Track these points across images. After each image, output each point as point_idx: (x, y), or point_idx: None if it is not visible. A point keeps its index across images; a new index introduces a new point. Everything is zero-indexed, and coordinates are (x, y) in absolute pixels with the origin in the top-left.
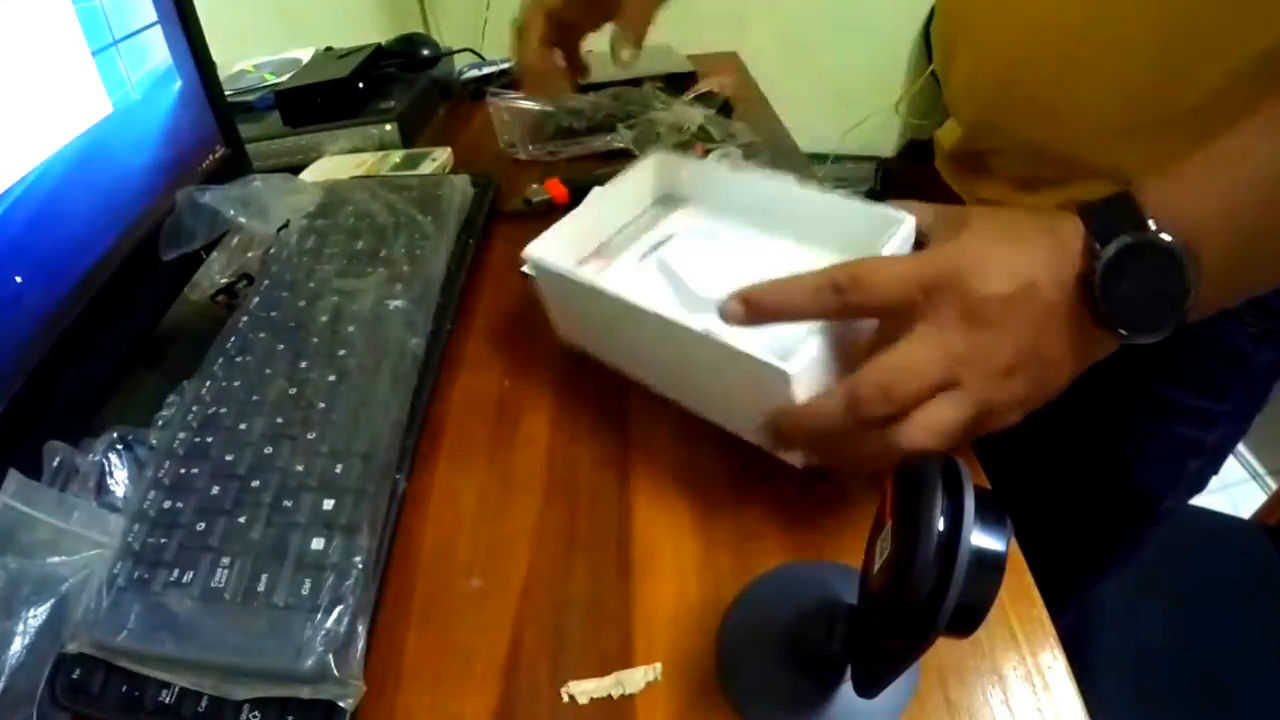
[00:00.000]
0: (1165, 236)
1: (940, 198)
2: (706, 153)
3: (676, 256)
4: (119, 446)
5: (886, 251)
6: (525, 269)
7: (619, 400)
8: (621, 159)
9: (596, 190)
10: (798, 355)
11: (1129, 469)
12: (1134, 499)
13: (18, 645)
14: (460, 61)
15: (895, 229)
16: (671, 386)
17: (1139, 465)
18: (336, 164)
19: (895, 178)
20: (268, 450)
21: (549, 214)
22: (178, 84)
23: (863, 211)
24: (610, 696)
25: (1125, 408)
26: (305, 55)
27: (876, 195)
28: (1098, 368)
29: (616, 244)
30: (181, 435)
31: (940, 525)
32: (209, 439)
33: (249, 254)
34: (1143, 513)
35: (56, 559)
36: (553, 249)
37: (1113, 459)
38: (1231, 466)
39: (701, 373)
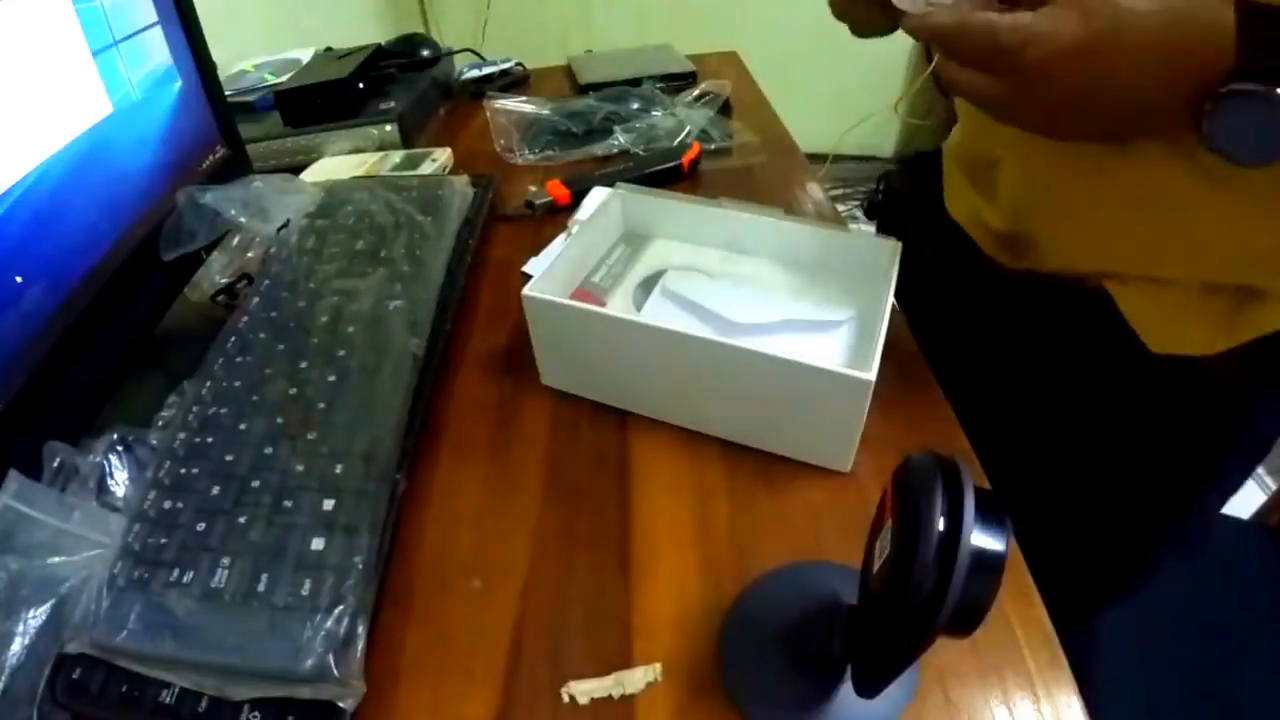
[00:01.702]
0: None
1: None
2: (698, 158)
3: (686, 288)
4: (119, 447)
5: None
6: (526, 292)
7: None
8: (621, 161)
9: (571, 233)
10: (871, 364)
11: (1125, 525)
12: (1130, 553)
13: (18, 645)
14: (460, 62)
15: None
16: (687, 412)
17: (1136, 524)
18: (337, 164)
19: (896, 195)
20: (268, 450)
21: (551, 216)
22: (178, 84)
23: (828, 234)
24: (610, 697)
25: (1125, 470)
26: (305, 55)
27: (876, 207)
28: (1105, 431)
29: (601, 284)
30: (182, 435)
31: (940, 525)
32: (209, 439)
33: (249, 254)
34: (1140, 565)
35: (57, 559)
36: (546, 290)
37: (1108, 514)
38: None
39: (750, 393)
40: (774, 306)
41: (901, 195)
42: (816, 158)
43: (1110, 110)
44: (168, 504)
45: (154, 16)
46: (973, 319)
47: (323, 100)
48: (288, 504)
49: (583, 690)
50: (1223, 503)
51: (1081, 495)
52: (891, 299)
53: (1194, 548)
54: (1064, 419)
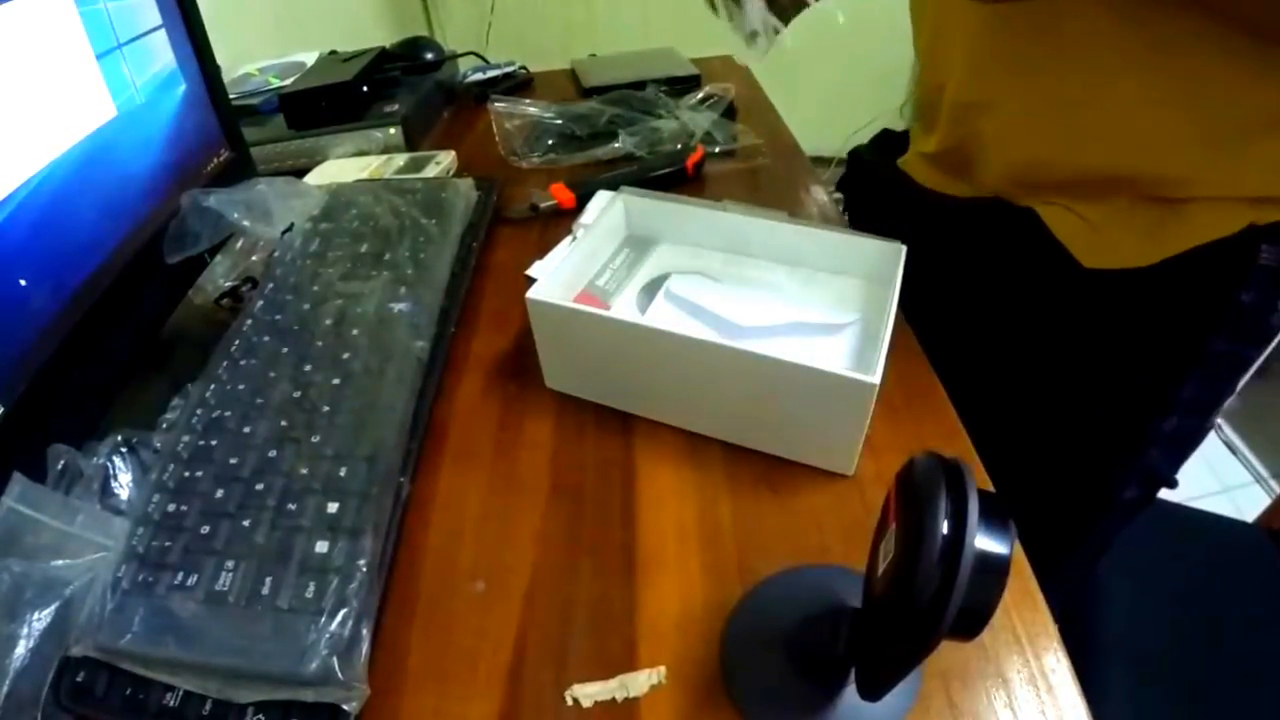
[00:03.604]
0: None
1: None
2: (702, 161)
3: (690, 291)
4: (123, 449)
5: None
6: (530, 295)
7: None
8: (625, 164)
9: (575, 236)
10: (875, 367)
11: (1083, 454)
12: (1090, 484)
13: (22, 648)
14: (464, 65)
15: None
16: (691, 415)
17: (1093, 450)
18: (341, 167)
19: (865, 167)
20: (272, 453)
21: (555, 219)
22: (182, 87)
23: (832, 237)
24: (614, 700)
25: (1079, 393)
26: (309, 58)
27: (845, 183)
28: (1055, 355)
29: (605, 287)
30: (185, 438)
31: (944, 528)
32: (213, 442)
33: (253, 257)
34: (1101, 500)
35: (61, 562)
36: (550, 294)
37: (1067, 443)
38: (1234, 469)
39: (754, 396)
40: (778, 309)
41: (868, 165)
42: (821, 161)
43: None
44: (172, 507)
45: (158, 19)
46: (924, 255)
47: (327, 103)
48: (292, 507)
49: (586, 693)
50: (1188, 435)
51: (1039, 421)
52: (896, 302)
53: (1157, 481)
54: (1016, 342)
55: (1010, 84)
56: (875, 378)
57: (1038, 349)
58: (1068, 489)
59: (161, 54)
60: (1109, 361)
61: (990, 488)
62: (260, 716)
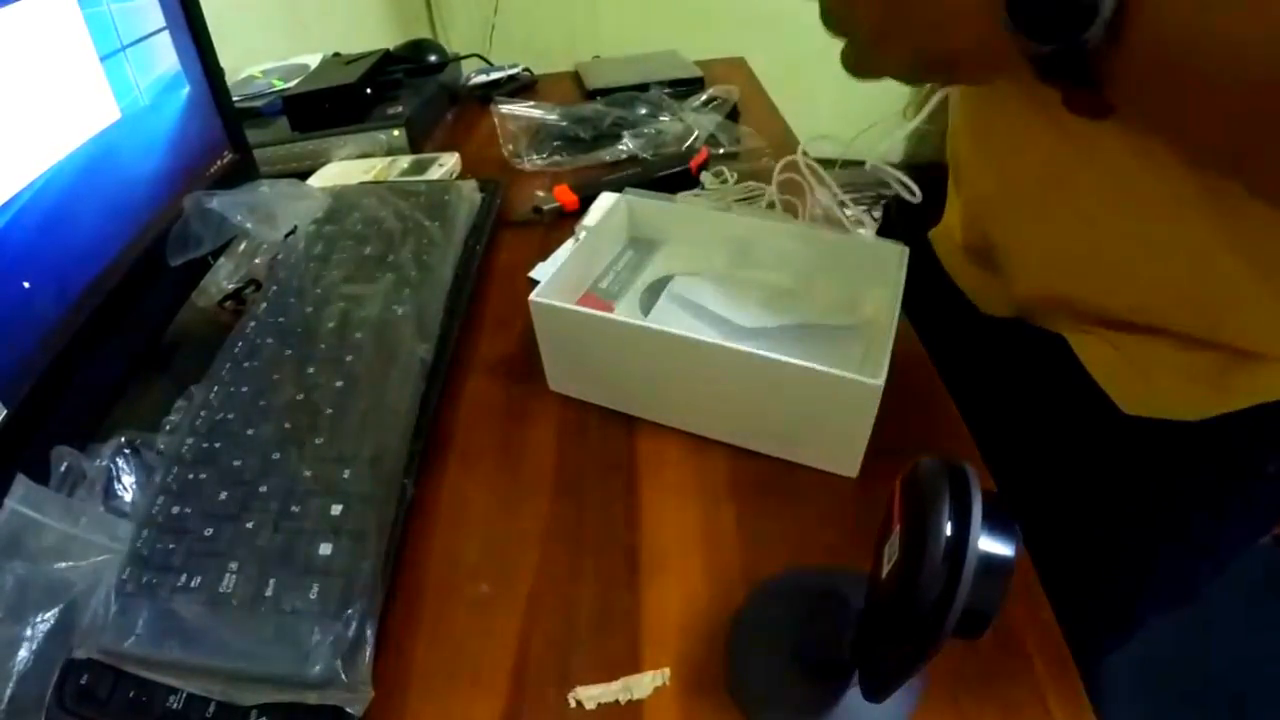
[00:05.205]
0: None
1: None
2: (706, 163)
3: (693, 292)
4: (126, 451)
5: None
6: (533, 298)
7: None
8: (628, 166)
9: (578, 238)
10: (879, 369)
11: (1109, 579)
12: (1112, 607)
13: (25, 651)
14: (468, 67)
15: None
16: (695, 417)
17: (1120, 576)
18: (344, 169)
19: (905, 208)
20: (275, 456)
21: (559, 221)
22: (186, 90)
23: (836, 239)
24: (618, 702)
25: (1107, 529)
26: (313, 61)
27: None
28: (1086, 494)
29: (608, 289)
30: (189, 440)
31: (948, 530)
32: (216, 444)
33: (256, 260)
34: (1121, 621)
35: (64, 564)
36: (553, 296)
37: (1091, 568)
38: None
39: (758, 398)
40: (782, 311)
41: (901, 218)
42: (824, 163)
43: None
44: (175, 509)
45: (162, 21)
46: (951, 353)
47: (330, 105)
48: (295, 509)
49: (590, 695)
50: (1235, 552)
51: (1061, 546)
52: (900, 304)
53: (1188, 594)
54: (1043, 472)
55: (1023, 195)
56: (879, 380)
57: (1068, 485)
58: (1089, 608)
59: (165, 56)
60: (1145, 505)
61: (994, 489)
62: (264, 719)
